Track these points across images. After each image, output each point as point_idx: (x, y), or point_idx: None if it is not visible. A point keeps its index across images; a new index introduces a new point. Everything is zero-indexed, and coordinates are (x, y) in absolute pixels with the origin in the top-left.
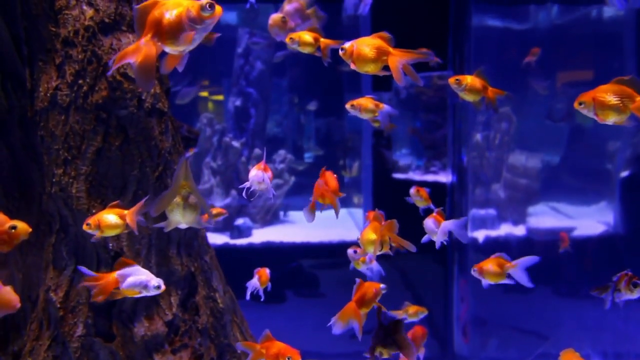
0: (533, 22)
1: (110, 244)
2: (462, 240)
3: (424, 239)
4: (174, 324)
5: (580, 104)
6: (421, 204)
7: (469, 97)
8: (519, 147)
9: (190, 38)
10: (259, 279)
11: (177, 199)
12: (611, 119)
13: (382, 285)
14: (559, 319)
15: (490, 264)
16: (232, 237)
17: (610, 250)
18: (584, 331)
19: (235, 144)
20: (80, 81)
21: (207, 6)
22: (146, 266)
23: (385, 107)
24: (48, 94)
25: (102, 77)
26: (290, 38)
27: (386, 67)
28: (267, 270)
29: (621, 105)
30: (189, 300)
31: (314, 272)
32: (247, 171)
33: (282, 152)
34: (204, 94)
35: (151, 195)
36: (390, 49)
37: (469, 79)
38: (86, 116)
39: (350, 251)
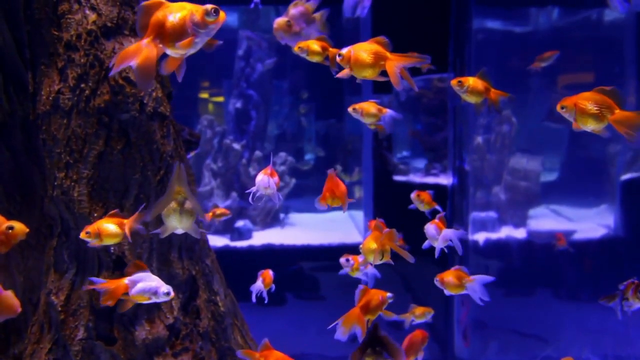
0: (534, 25)
1: (112, 248)
2: (457, 251)
3: (425, 245)
4: (175, 327)
5: (562, 107)
6: (424, 207)
7: (470, 99)
8: (519, 149)
9: (192, 42)
10: (263, 281)
11: (173, 205)
12: (589, 127)
13: (388, 294)
14: (559, 323)
15: (450, 276)
16: (233, 239)
17: (610, 254)
18: (584, 334)
19: (236, 146)
20: (83, 85)
21: (212, 11)
22: None
23: (388, 111)
24: (50, 98)
25: (104, 81)
26: (299, 47)
27: (383, 72)
28: (270, 272)
29: (600, 114)
30: (190, 303)
31: (315, 275)
32: (248, 173)
33: (282, 154)
34: (205, 95)
35: (152, 199)
36: (388, 54)
37: (471, 81)
38: (88, 120)
39: (342, 260)
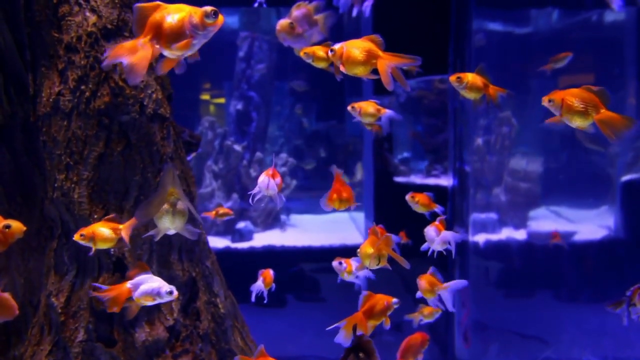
0: (534, 26)
1: (112, 250)
2: (452, 254)
3: (424, 246)
4: (175, 329)
5: (549, 100)
6: (419, 209)
7: (469, 95)
8: (519, 151)
9: (189, 44)
10: (263, 281)
11: (166, 206)
12: (575, 123)
13: (394, 300)
14: (559, 324)
15: (423, 280)
16: (234, 240)
17: (611, 255)
18: (584, 336)
19: (237, 147)
20: (83, 87)
21: (211, 13)
22: None
23: (387, 111)
24: (50, 100)
25: (105, 82)
26: (305, 53)
27: (375, 71)
28: (271, 272)
29: (585, 112)
30: (190, 305)
31: (315, 277)
32: (249, 175)
33: (283, 155)
34: (206, 97)
35: None
36: (380, 52)
37: (470, 77)
38: (88, 122)
39: (335, 263)
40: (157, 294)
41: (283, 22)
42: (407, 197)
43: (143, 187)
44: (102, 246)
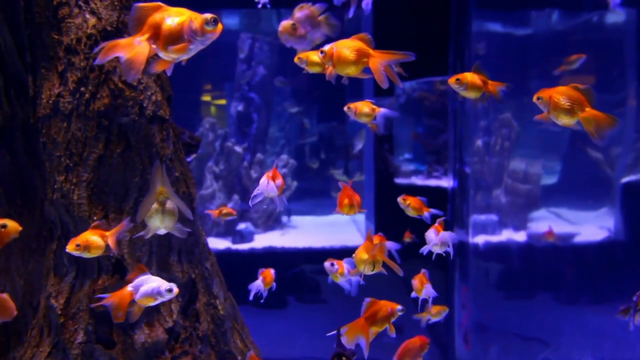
0: (534, 28)
1: (111, 252)
2: (450, 255)
3: (423, 249)
4: (174, 330)
5: (538, 98)
6: (411, 213)
7: (470, 95)
8: (519, 152)
9: (186, 48)
10: (263, 280)
11: (155, 205)
12: (561, 121)
13: (398, 307)
14: (559, 326)
15: (416, 280)
16: (234, 242)
17: (611, 257)
18: (584, 338)
19: (238, 148)
20: (83, 88)
21: (212, 21)
22: None
23: (382, 110)
24: (50, 101)
25: (104, 84)
26: (299, 58)
27: (367, 70)
28: (272, 271)
29: (571, 110)
30: (189, 307)
31: (316, 278)
32: (249, 176)
33: (284, 156)
34: (207, 98)
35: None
36: (371, 51)
37: (469, 77)
38: (88, 123)
39: (327, 264)
40: (158, 293)
41: (286, 24)
42: (399, 199)
43: (142, 188)
44: (94, 254)
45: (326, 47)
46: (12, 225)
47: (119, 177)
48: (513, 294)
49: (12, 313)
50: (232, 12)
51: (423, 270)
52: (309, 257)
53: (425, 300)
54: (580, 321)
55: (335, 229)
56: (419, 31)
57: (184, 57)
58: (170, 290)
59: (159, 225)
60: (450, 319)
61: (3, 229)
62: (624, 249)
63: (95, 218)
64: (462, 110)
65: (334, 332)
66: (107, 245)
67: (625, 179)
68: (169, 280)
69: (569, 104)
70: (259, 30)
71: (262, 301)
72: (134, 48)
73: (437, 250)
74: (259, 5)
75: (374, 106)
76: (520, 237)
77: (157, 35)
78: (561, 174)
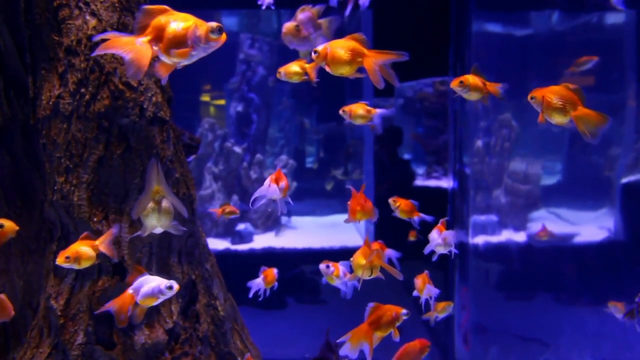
0: (534, 29)
1: None
2: (452, 254)
3: (427, 249)
4: (174, 332)
5: (531, 98)
6: (400, 215)
7: (473, 97)
8: (519, 153)
9: (188, 53)
10: (264, 279)
11: (151, 204)
12: (554, 120)
13: (403, 311)
14: (559, 327)
15: (419, 279)
16: (234, 242)
17: (610, 257)
18: (584, 339)
19: (237, 149)
20: (83, 90)
21: (217, 30)
22: None
23: (378, 111)
24: (50, 102)
25: (104, 85)
26: (279, 72)
27: (361, 69)
28: (274, 271)
29: (563, 109)
30: (189, 308)
31: (316, 279)
32: (249, 176)
33: (283, 157)
34: (206, 98)
35: None
36: (365, 50)
37: (471, 79)
38: (88, 124)
39: (322, 266)
40: (159, 291)
41: (289, 25)
42: (390, 200)
43: (143, 190)
44: (86, 265)
45: (319, 47)
46: (9, 225)
47: (119, 178)
48: (513, 294)
49: (9, 313)
50: (231, 12)
51: (425, 271)
52: (308, 257)
53: (428, 300)
54: (580, 322)
55: (335, 230)
56: (419, 32)
57: (185, 62)
58: (170, 288)
59: (155, 224)
60: (450, 319)
61: (0, 229)
62: (624, 249)
63: (95, 219)
64: (462, 110)
65: (341, 339)
66: (113, 249)
67: (625, 179)
68: None
69: (561, 103)
70: (258, 31)
71: (260, 299)
72: (135, 48)
73: (440, 250)
74: (264, 7)
75: (369, 107)
76: (520, 237)
77: (161, 37)
78: (561, 174)
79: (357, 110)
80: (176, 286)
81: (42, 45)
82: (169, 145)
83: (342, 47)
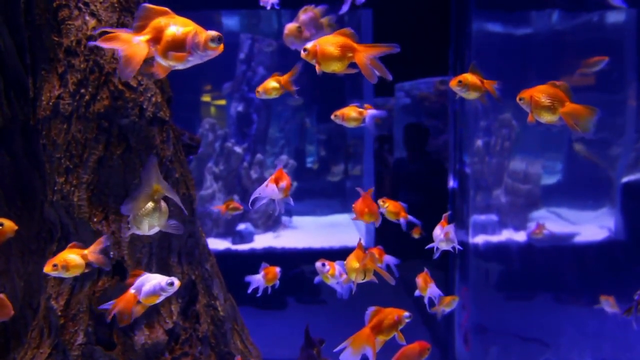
0: (534, 28)
1: (112, 253)
2: (455, 250)
3: (431, 245)
4: (174, 332)
5: (520, 99)
6: (388, 216)
7: (472, 96)
8: (519, 153)
9: (184, 58)
10: (265, 276)
11: (151, 204)
12: (544, 118)
13: (405, 314)
14: (559, 327)
15: (420, 278)
16: (234, 242)
17: (611, 257)
18: (584, 339)
19: (237, 149)
20: (82, 90)
21: (216, 38)
22: None
23: (369, 111)
24: (50, 103)
25: (104, 86)
26: (258, 92)
27: (353, 65)
28: (277, 269)
29: (552, 107)
30: (189, 308)
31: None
32: (249, 176)
33: (284, 157)
34: (207, 98)
35: None
36: (355, 45)
37: (469, 78)
38: (88, 125)
39: (318, 264)
40: (161, 289)
41: (291, 26)
42: (379, 200)
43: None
44: (74, 273)
45: (309, 45)
46: (8, 224)
47: (119, 178)
48: (513, 294)
49: (9, 313)
50: (232, 12)
51: (425, 270)
52: (308, 257)
53: (431, 300)
54: (580, 322)
55: (335, 230)
56: (419, 32)
57: (179, 66)
58: (171, 284)
59: (154, 223)
60: (450, 319)
61: None
62: (624, 249)
63: (95, 220)
64: (462, 110)
65: (341, 346)
66: (103, 258)
67: (625, 179)
68: None
69: (549, 101)
70: (259, 31)
71: (258, 295)
72: (132, 45)
73: (443, 246)
74: (268, 7)
75: (361, 109)
76: (520, 237)
77: (159, 39)
78: (561, 173)
79: (350, 113)
80: (177, 282)
81: (42, 46)
82: (169, 146)
83: (331, 44)
